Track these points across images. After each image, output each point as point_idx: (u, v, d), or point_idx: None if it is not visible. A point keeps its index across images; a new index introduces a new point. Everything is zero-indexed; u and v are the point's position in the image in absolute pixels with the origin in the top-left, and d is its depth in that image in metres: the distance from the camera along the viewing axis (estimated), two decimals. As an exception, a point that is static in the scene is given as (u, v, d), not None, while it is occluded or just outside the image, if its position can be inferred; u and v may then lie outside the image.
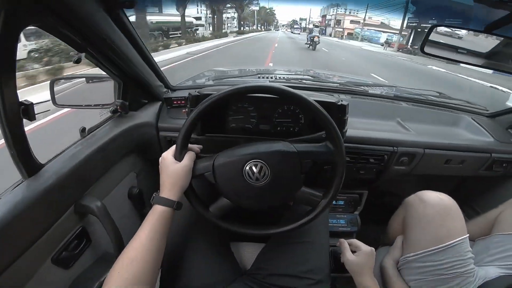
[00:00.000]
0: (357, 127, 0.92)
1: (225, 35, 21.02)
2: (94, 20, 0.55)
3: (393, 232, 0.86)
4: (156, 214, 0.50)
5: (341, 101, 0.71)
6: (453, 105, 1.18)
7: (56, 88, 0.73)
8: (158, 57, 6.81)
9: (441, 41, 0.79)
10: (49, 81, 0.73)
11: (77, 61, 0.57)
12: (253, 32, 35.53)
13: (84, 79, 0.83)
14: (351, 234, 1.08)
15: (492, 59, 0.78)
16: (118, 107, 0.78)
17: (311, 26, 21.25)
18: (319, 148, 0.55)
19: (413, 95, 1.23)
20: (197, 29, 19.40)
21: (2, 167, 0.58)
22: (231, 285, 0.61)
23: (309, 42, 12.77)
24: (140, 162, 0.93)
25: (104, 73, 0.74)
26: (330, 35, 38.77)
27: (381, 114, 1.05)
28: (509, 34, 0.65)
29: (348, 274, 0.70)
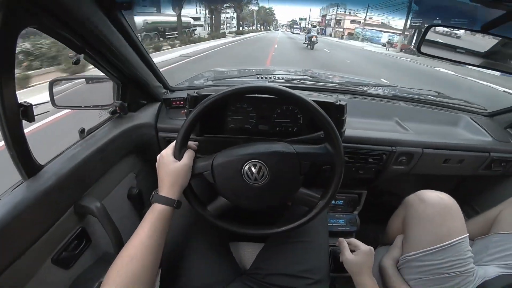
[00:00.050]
0: (356, 127, 0.92)
1: (223, 35, 20.20)
2: (92, 21, 0.55)
3: (393, 232, 0.87)
4: (156, 212, 0.50)
5: (340, 101, 0.71)
6: (452, 105, 1.18)
7: (55, 89, 0.73)
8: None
9: (439, 40, 0.79)
10: (48, 83, 0.73)
11: (76, 63, 0.57)
12: (252, 32, 34.95)
13: (82, 80, 0.84)
14: (351, 234, 1.09)
15: (491, 59, 0.78)
16: (117, 108, 0.78)
17: (310, 26, 21.40)
18: (318, 150, 0.56)
19: (412, 94, 1.23)
20: (195, 30, 18.42)
21: (2, 168, 0.58)
22: (231, 285, 0.61)
23: (307, 41, 13.09)
24: (139, 163, 0.93)
25: (103, 74, 0.75)
26: (330, 35, 38.43)
27: (380, 114, 1.06)
28: (506, 34, 0.65)
29: (347, 274, 0.70)
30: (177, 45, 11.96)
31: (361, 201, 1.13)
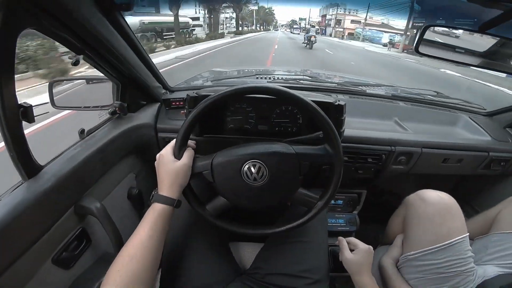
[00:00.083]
0: (355, 126, 0.92)
1: (222, 36, 19.52)
2: (92, 22, 0.56)
3: (393, 232, 0.87)
4: (156, 212, 0.50)
5: (339, 101, 0.71)
6: (451, 105, 1.19)
7: (54, 90, 0.73)
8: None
9: (437, 40, 0.79)
10: (47, 83, 0.73)
11: (75, 64, 0.57)
12: (251, 32, 34.53)
13: (82, 80, 0.84)
14: (350, 233, 1.09)
15: (490, 59, 0.78)
16: (117, 108, 0.78)
17: (308, 26, 21.49)
18: (318, 151, 0.56)
19: (411, 94, 1.23)
20: (194, 30, 17.76)
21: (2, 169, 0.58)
22: (230, 285, 0.61)
23: (306, 41, 13.40)
24: (139, 163, 0.93)
25: (102, 74, 0.75)
26: (331, 35, 38.22)
27: (379, 114, 1.06)
28: (504, 34, 0.65)
29: (347, 274, 0.70)
30: (172, 46, 11.43)
31: (361, 200, 1.13)
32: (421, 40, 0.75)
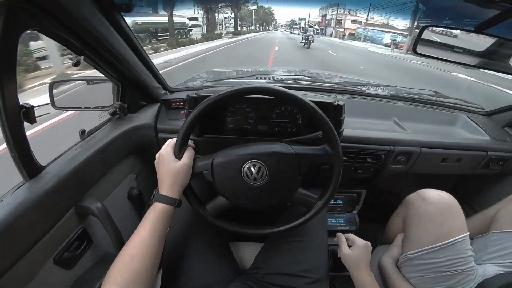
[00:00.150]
0: (354, 126, 0.93)
1: (219, 36, 18.49)
2: (92, 23, 0.56)
3: (393, 231, 0.87)
4: (157, 211, 0.50)
5: (338, 101, 0.72)
6: (450, 104, 1.19)
7: (55, 91, 0.73)
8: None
9: (436, 39, 0.80)
10: (48, 84, 0.73)
11: (76, 64, 0.57)
12: (250, 32, 33.93)
13: (82, 81, 0.84)
14: (350, 233, 1.09)
15: (489, 59, 0.78)
16: (117, 109, 0.78)
17: (306, 26, 21.61)
18: (317, 151, 0.56)
19: (410, 94, 1.24)
20: (191, 30, 16.70)
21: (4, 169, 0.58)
22: (230, 285, 0.61)
23: (304, 40, 13.73)
24: (139, 164, 0.94)
25: (102, 75, 0.75)
26: (331, 35, 38.03)
27: (378, 114, 1.06)
28: (501, 34, 0.66)
29: (346, 273, 0.70)
30: (162, 49, 10.29)
31: (360, 200, 1.13)
32: (419, 40, 0.75)
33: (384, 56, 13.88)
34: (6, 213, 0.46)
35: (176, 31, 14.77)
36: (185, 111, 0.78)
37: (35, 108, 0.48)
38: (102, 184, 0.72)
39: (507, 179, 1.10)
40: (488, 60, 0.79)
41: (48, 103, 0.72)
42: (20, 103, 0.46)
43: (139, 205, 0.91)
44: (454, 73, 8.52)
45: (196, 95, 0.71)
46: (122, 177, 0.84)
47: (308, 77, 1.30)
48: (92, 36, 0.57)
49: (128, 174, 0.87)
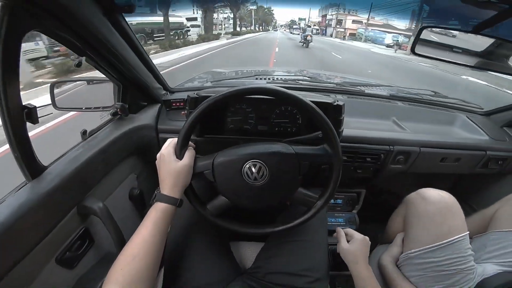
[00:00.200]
0: (354, 126, 0.93)
1: (217, 37, 17.86)
2: (94, 23, 0.56)
3: (393, 230, 0.87)
4: (159, 211, 0.50)
5: (337, 101, 0.72)
6: (449, 104, 1.20)
7: (56, 91, 0.73)
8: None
9: (435, 39, 0.80)
10: (49, 84, 0.74)
11: (78, 65, 0.58)
12: (250, 33, 33.39)
13: (83, 82, 0.84)
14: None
15: (489, 59, 0.78)
16: (118, 109, 0.79)
17: (305, 26, 21.70)
18: (317, 151, 0.56)
19: (409, 94, 1.24)
20: (189, 31, 16.27)
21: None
22: (231, 284, 0.62)
23: (303, 40, 14.17)
24: (140, 164, 0.94)
25: (103, 76, 0.75)
26: (331, 36, 37.79)
27: (378, 114, 1.07)
28: (499, 35, 0.66)
29: (347, 272, 0.70)
30: (153, 51, 9.56)
31: (360, 200, 1.14)
32: (417, 41, 0.75)
33: (389, 58, 13.26)
34: (9, 213, 0.46)
35: (173, 32, 14.44)
36: (185, 112, 0.78)
37: (37, 109, 0.48)
38: (104, 184, 0.72)
39: (506, 179, 1.10)
40: (487, 60, 0.79)
41: (51, 104, 0.72)
42: (23, 104, 0.47)
43: (140, 205, 0.91)
44: (464, 76, 8.02)
45: (196, 96, 0.71)
46: (123, 177, 0.84)
47: (308, 77, 1.30)
48: (93, 36, 0.58)
49: (129, 174, 0.88)
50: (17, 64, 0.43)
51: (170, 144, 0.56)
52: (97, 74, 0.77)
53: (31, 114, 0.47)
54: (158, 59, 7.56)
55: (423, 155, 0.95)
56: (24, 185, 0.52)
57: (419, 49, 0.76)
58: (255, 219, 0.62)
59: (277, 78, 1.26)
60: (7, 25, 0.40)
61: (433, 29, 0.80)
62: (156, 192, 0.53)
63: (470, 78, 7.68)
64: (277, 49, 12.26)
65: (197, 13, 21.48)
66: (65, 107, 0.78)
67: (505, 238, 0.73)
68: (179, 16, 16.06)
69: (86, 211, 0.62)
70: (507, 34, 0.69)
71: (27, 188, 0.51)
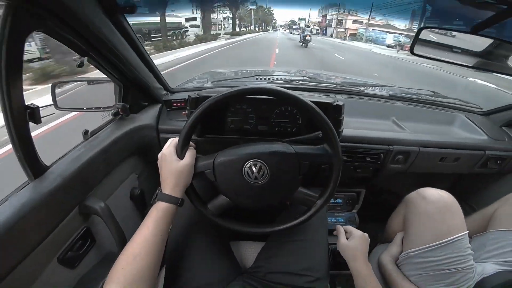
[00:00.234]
0: (354, 126, 0.93)
1: (215, 37, 17.05)
2: (96, 24, 0.57)
3: (393, 230, 0.88)
4: (160, 210, 0.51)
5: (337, 101, 0.73)
6: (448, 104, 1.20)
7: (57, 91, 0.74)
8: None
9: (434, 38, 0.80)
10: (50, 85, 0.74)
11: (80, 65, 0.58)
12: (250, 33, 32.66)
13: (84, 82, 0.85)
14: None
15: (488, 59, 0.78)
16: (119, 109, 0.79)
17: (304, 26, 21.87)
18: (317, 151, 0.57)
19: (409, 94, 1.25)
20: (187, 31, 15.59)
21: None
22: (232, 284, 0.62)
23: (302, 40, 14.32)
24: (141, 164, 0.94)
25: (104, 76, 0.76)
26: (331, 36, 37.45)
27: (377, 114, 1.07)
28: (497, 35, 0.67)
29: (347, 272, 0.71)
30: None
31: (360, 199, 1.14)
32: (416, 41, 0.75)
33: (393, 59, 12.58)
34: (12, 212, 0.46)
35: (172, 32, 14.14)
36: (186, 112, 0.78)
37: (40, 109, 0.49)
38: (105, 184, 0.73)
39: (505, 178, 1.11)
40: (487, 60, 0.79)
41: (51, 104, 0.72)
42: (26, 104, 0.47)
43: (141, 205, 0.91)
44: (471, 79, 7.57)
45: (197, 96, 0.71)
46: (124, 177, 0.84)
47: (308, 77, 1.31)
48: (96, 37, 0.58)
49: (130, 174, 0.88)
50: (20, 64, 0.44)
51: (171, 143, 0.56)
52: (98, 74, 0.77)
53: (34, 114, 0.48)
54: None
55: (422, 155, 0.95)
56: (27, 184, 0.52)
57: (418, 49, 0.76)
58: (255, 219, 0.62)
59: (277, 78, 1.27)
60: (11, 26, 0.40)
61: (433, 30, 0.80)
62: (157, 191, 0.53)
63: (478, 81, 7.29)
64: (277, 50, 11.80)
65: (196, 13, 21.08)
66: (66, 107, 0.78)
67: (504, 238, 0.73)
68: (177, 16, 15.79)
69: (88, 210, 0.63)
70: (506, 35, 0.69)
71: (30, 187, 0.51)
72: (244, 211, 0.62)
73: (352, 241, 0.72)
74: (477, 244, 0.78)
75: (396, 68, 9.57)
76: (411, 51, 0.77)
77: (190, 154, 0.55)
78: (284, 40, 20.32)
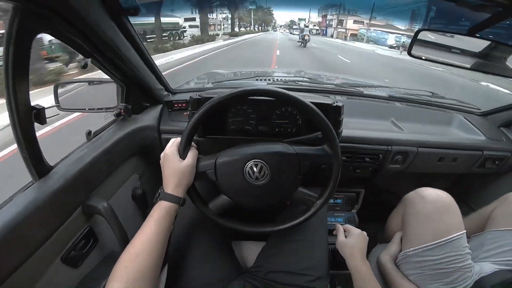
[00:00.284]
0: (353, 127, 0.94)
1: (213, 38, 16.38)
2: (101, 26, 0.57)
3: (392, 229, 0.88)
4: (162, 209, 0.51)
5: (337, 102, 0.73)
6: (446, 105, 1.21)
7: (59, 92, 0.74)
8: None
9: (432, 38, 0.80)
10: (53, 86, 0.75)
11: (84, 66, 0.59)
12: (249, 33, 31.92)
13: (85, 83, 0.85)
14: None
15: (487, 60, 0.78)
16: (122, 110, 0.80)
17: (303, 26, 21.95)
18: (317, 151, 0.58)
19: (407, 95, 1.25)
20: (185, 31, 15.24)
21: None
22: (233, 283, 0.62)
23: (301, 40, 14.80)
24: (143, 164, 0.95)
25: (107, 77, 0.76)
26: (332, 36, 37.15)
27: (376, 114, 1.08)
28: (494, 37, 0.67)
29: (347, 272, 0.71)
30: None
31: (359, 199, 1.15)
32: (414, 43, 0.76)
33: (398, 61, 11.52)
34: (17, 212, 0.47)
35: (168, 33, 13.58)
36: (188, 112, 0.79)
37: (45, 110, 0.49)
38: (107, 184, 0.73)
39: (503, 178, 1.12)
40: (486, 61, 0.79)
41: (54, 105, 0.73)
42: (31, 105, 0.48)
43: (143, 205, 0.92)
44: (483, 83, 6.97)
45: (199, 97, 0.72)
46: (126, 177, 0.85)
47: (307, 78, 1.32)
48: (100, 39, 0.59)
49: (132, 174, 0.89)
50: (27, 66, 0.44)
51: (173, 144, 0.57)
52: (99, 75, 0.77)
53: (39, 115, 0.49)
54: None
55: (421, 155, 0.96)
56: (31, 184, 0.53)
57: (416, 50, 0.76)
58: (256, 218, 0.63)
59: (277, 79, 1.27)
60: (18, 27, 0.41)
61: (430, 31, 0.80)
62: (159, 191, 0.54)
63: (491, 86, 6.75)
64: (278, 52, 11.18)
65: (195, 13, 20.73)
66: (69, 108, 0.79)
67: (502, 237, 0.74)
68: (175, 16, 15.33)
69: (91, 210, 0.63)
70: (502, 36, 0.70)
71: (34, 187, 0.52)
72: (245, 211, 0.62)
73: (350, 238, 0.72)
74: (475, 244, 0.79)
75: (403, 71, 8.69)
76: (409, 53, 0.77)
77: (192, 154, 0.55)
78: (285, 41, 20.10)
